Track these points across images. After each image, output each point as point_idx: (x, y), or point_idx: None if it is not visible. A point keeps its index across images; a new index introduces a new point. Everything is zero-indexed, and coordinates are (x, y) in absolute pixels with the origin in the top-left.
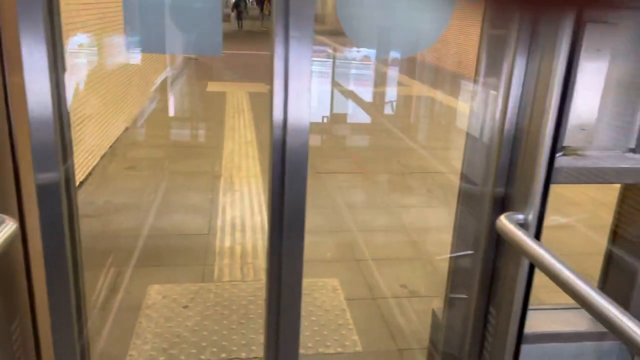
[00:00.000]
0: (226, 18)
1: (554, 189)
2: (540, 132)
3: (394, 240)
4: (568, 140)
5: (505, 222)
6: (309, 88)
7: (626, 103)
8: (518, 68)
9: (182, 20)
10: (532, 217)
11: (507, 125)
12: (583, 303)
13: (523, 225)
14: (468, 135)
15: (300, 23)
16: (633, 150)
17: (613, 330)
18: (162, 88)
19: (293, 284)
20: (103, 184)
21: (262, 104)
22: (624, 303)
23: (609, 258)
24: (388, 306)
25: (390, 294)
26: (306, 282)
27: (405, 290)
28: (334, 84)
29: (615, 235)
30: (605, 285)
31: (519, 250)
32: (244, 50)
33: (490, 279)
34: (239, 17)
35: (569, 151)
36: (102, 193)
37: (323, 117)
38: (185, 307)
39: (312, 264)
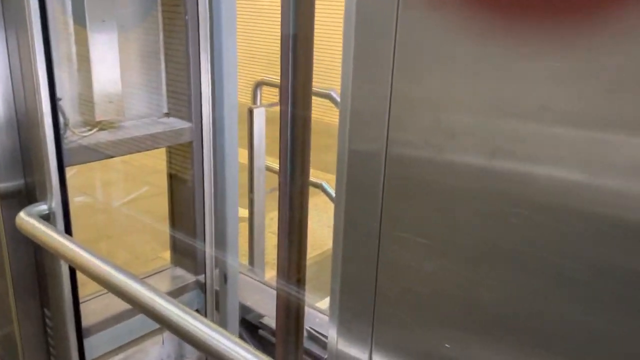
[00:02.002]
0: None
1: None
2: (40, 113)
3: None
4: (100, 114)
5: (24, 217)
6: None
7: (150, 71)
8: None
9: None
10: (55, 205)
11: None
12: (108, 286)
13: (48, 217)
14: None
15: None
16: (167, 115)
17: (136, 305)
18: None
19: None
20: None
21: None
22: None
23: (172, 212)
24: None
25: None
26: None
27: None
28: None
29: (172, 193)
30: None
31: (44, 245)
32: None
33: (37, 280)
34: None
35: (104, 125)
36: None
37: None
38: None
39: None
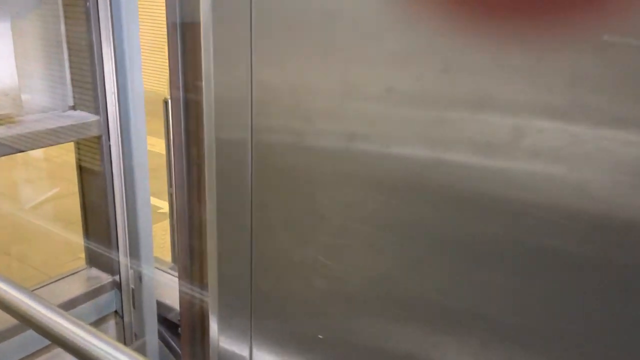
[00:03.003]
0: None
1: None
2: None
3: None
4: None
5: None
6: None
7: (53, 61)
8: None
9: None
10: None
11: None
12: None
13: None
14: None
15: None
16: (73, 108)
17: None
18: None
19: None
20: None
21: None
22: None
23: (84, 211)
24: None
25: None
26: None
27: None
28: None
29: (83, 191)
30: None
31: None
32: None
33: None
34: None
35: (0, 120)
36: None
37: None
38: None
39: None
